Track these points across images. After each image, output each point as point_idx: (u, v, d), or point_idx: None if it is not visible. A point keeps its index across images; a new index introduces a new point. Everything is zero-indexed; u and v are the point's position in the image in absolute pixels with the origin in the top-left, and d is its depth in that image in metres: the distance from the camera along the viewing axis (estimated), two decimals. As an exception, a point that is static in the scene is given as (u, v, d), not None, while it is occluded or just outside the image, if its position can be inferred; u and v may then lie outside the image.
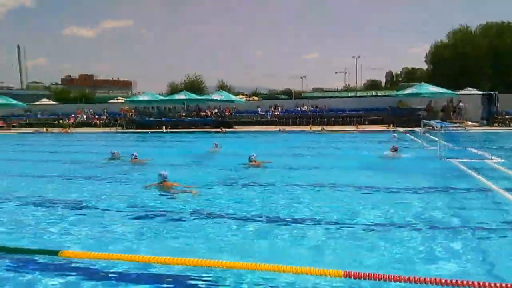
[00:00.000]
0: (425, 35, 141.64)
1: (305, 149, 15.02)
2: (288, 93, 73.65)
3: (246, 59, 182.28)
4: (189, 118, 28.24)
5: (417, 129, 18.80)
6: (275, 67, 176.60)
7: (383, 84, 77.77)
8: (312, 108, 28.83)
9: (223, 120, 27.19)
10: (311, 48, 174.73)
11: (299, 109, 29.15)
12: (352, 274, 3.15)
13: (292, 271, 3.33)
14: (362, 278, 3.15)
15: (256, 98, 51.45)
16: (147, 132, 24.54)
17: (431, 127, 14.46)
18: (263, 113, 28.91)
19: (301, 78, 77.00)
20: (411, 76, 63.41)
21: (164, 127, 25.71)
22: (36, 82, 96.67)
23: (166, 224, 5.82)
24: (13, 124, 30.82)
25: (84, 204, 7.03)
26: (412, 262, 4.19)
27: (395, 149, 11.91)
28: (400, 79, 70.85)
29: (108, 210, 6.59)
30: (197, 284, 3.76)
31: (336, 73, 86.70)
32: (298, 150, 14.61)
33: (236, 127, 26.22)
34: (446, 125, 13.01)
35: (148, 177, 8.81)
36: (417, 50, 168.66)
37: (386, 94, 41.41)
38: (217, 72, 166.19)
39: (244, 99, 37.11)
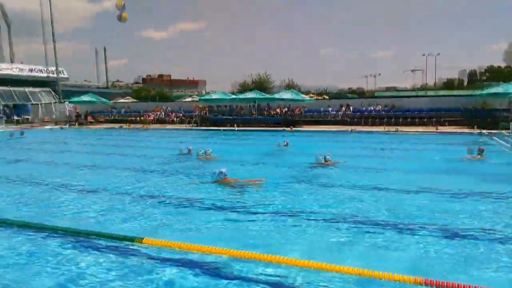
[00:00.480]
0: (503, 31, 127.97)
1: (379, 150, 14.48)
2: (359, 92, 71.47)
3: (315, 57, 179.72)
4: (259, 117, 28.64)
5: (505, 131, 17.23)
6: (344, 66, 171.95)
7: (460, 83, 72.01)
8: (386, 108, 27.65)
9: (293, 119, 27.19)
10: (383, 46, 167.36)
11: (372, 108, 28.12)
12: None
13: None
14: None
15: (326, 97, 50.66)
16: (219, 130, 25.36)
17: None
18: (334, 112, 28.37)
19: (374, 76, 74.26)
20: (495, 74, 58.13)
21: (235, 125, 26.37)
22: (119, 81, 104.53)
23: (238, 218, 5.98)
24: (100, 120, 33.59)
25: (162, 195, 7.47)
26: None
27: (481, 151, 11.06)
28: (483, 78, 65.28)
29: (182, 202, 6.92)
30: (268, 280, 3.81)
31: (412, 71, 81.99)
32: (372, 151, 14.13)
33: (305, 126, 26.04)
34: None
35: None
36: (495, 47, 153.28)
37: (468, 93, 38.39)
38: (285, 72, 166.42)
39: (313, 98, 36.72)
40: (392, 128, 22.43)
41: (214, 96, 31.26)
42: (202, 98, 35.55)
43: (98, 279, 3.88)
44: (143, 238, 4.27)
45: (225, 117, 29.13)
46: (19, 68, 47.87)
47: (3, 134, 23.48)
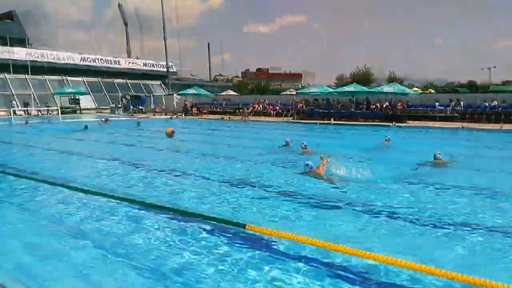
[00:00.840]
0: None
1: (496, 150, 13.07)
2: (471, 86, 64.71)
3: (419, 49, 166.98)
4: (357, 111, 27.78)
5: None
6: (454, 57, 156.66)
7: None
8: (504, 104, 24.65)
9: (395, 113, 25.79)
10: (504, 34, 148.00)
11: (487, 104, 25.31)
12: None
13: None
14: None
15: (432, 91, 47.02)
16: (315, 123, 25.23)
17: None
18: (442, 108, 26.19)
19: (488, 69, 66.33)
20: None
21: (332, 119, 25.97)
22: (221, 75, 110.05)
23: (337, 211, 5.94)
24: (204, 112, 35.83)
25: (265, 184, 7.74)
26: None
27: None
28: None
29: (280, 192, 7.09)
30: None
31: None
32: (488, 152, 12.81)
33: (409, 121, 24.51)
34: None
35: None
36: None
37: None
38: (387, 64, 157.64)
39: (418, 91, 34.33)
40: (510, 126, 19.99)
41: (311, 90, 31.11)
42: (299, 91, 35.66)
43: (202, 257, 4.22)
44: (245, 224, 4.51)
45: (321, 110, 28.84)
46: (134, 63, 53.27)
47: (128, 122, 26.60)
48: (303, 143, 12.23)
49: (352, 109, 28.16)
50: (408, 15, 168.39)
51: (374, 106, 27.99)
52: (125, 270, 3.99)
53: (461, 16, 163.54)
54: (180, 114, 34.64)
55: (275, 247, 4.48)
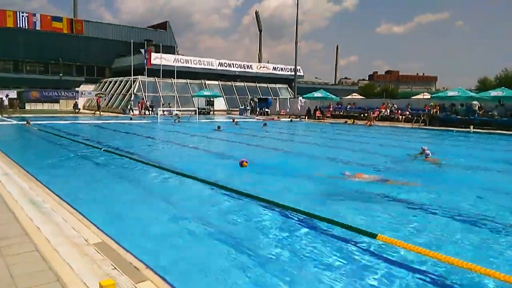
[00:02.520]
0: None
1: None
2: None
3: None
4: (504, 118, 24.45)
5: None
6: None
7: None
8: None
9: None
10: None
11: None
12: None
13: None
14: None
15: None
16: (452, 130, 23.08)
17: None
18: None
19: None
20: None
21: (471, 126, 23.43)
22: (347, 78, 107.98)
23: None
24: (327, 115, 35.73)
25: (397, 196, 7.49)
26: None
27: None
28: None
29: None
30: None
31: None
32: None
33: None
34: None
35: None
36: None
37: None
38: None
39: None
40: None
41: (449, 94, 28.49)
42: (435, 95, 32.94)
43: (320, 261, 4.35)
44: (377, 235, 4.50)
45: (459, 116, 26.18)
46: (265, 67, 55.88)
47: (256, 123, 28.42)
48: (426, 151, 11.40)
49: (497, 116, 24.90)
50: None
51: (526, 114, 24.31)
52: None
53: None
54: (304, 117, 35.18)
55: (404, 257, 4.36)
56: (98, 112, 38.08)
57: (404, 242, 4.36)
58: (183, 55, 50.87)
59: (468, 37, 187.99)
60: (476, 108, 26.07)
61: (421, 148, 12.09)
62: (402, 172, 10.00)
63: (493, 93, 25.71)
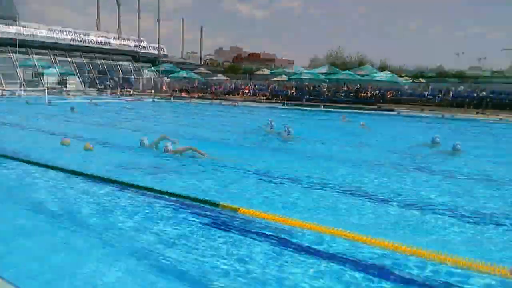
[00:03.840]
0: None
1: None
2: (461, 76, 65.26)
3: (412, 37, 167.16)
4: (347, 98, 27.86)
5: None
6: (447, 47, 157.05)
7: None
8: (493, 95, 24.96)
9: (384, 101, 25.96)
10: (497, 26, 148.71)
11: (476, 93, 25.61)
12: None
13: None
14: None
15: (422, 80, 47.28)
16: (305, 109, 25.24)
17: None
18: (431, 97, 26.45)
19: (479, 59, 67.03)
20: None
21: (322, 106, 25.99)
22: (212, 59, 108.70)
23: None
24: (193, 96, 35.50)
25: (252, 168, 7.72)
26: None
27: None
28: None
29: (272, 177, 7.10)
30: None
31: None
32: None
33: (397, 108, 24.67)
34: None
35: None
36: None
37: None
38: (381, 50, 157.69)
39: (409, 80, 34.53)
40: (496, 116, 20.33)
41: (303, 76, 31.03)
42: (290, 77, 35.54)
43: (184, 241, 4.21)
44: (240, 208, 4.51)
45: (311, 97, 28.83)
46: (126, 44, 52.10)
47: (117, 103, 26.29)
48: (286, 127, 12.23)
49: (342, 96, 28.22)
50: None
51: (364, 94, 28.08)
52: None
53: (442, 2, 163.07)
54: (169, 97, 34.27)
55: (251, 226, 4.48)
56: None
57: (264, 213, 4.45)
58: (24, 27, 43.65)
59: (319, 25, 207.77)
60: (325, 89, 29.13)
61: (269, 120, 12.68)
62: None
63: (340, 76, 28.91)
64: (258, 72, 46.39)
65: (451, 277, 3.49)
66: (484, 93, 25.34)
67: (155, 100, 32.55)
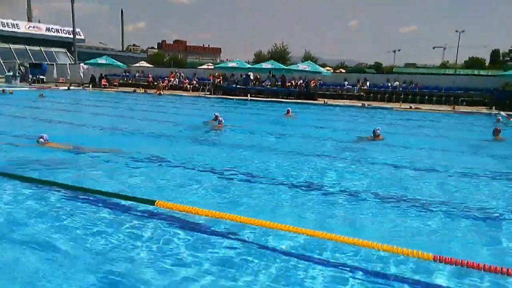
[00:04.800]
0: None
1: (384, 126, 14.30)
2: (377, 67, 70.01)
3: (335, 30, 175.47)
4: (273, 88, 28.33)
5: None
6: (364, 40, 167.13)
7: (482, 62, 69.51)
8: (404, 85, 27.04)
9: (308, 91, 26.84)
10: (409, 20, 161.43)
11: (390, 84, 27.56)
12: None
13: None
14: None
15: (342, 70, 49.78)
16: (232, 99, 25.24)
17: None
18: (350, 87, 27.92)
19: (394, 52, 72.44)
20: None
21: (248, 95, 26.17)
22: (135, 45, 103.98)
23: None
24: (114, 84, 33.63)
25: (175, 160, 7.51)
26: None
27: (497, 132, 10.87)
28: (507, 59, 63.08)
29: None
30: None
31: (434, 48, 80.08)
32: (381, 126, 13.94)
33: (320, 99, 25.71)
34: None
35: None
36: None
37: (490, 73, 37.25)
38: (303, 42, 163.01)
39: (330, 71, 36.10)
40: (407, 105, 22.09)
41: (229, 65, 30.89)
42: (217, 66, 35.21)
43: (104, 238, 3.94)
44: (155, 201, 4.30)
45: (239, 86, 28.87)
46: (36, 27, 47.56)
47: (28, 93, 23.92)
48: (219, 118, 12.07)
49: (269, 86, 28.63)
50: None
51: (289, 83, 28.74)
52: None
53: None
54: (87, 85, 32.09)
55: (187, 223, 4.35)
56: None
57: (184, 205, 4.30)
58: None
59: (248, 16, 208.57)
60: (252, 78, 29.29)
61: (214, 114, 12.50)
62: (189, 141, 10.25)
63: (265, 65, 29.24)
64: (202, 67, 45.14)
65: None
66: (397, 83, 27.32)
67: (71, 88, 30.31)
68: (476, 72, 46.57)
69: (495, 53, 70.37)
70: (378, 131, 10.24)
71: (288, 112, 15.64)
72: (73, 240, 3.86)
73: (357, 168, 7.46)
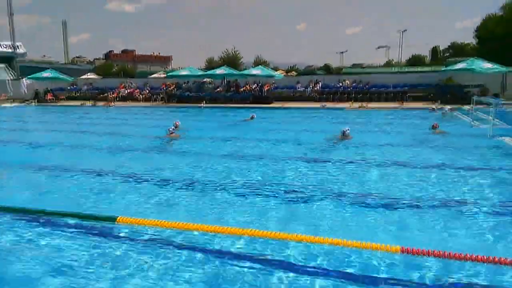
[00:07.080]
0: (475, 8, 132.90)
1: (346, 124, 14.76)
2: (326, 69, 72.04)
3: (283, 33, 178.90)
4: (227, 94, 28.27)
5: (466, 106, 17.88)
6: (312, 42, 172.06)
7: (428, 60, 73.77)
8: (354, 84, 27.99)
9: (262, 95, 27.02)
10: (353, 22, 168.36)
11: (340, 84, 28.41)
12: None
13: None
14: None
15: (294, 73, 50.68)
16: (186, 107, 24.88)
17: (483, 105, 13.70)
18: (302, 89, 28.47)
19: (341, 53, 74.98)
20: (458, 51, 59.77)
21: (203, 102, 25.92)
22: (80, 57, 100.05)
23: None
24: (61, 98, 32.10)
25: (134, 174, 7.30)
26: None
27: (435, 127, 11.59)
28: (446, 55, 67.20)
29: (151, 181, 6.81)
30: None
31: (378, 48, 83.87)
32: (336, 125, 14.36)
33: (276, 103, 26.00)
34: (502, 102, 12.32)
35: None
36: (466, 24, 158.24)
37: (433, 69, 39.37)
38: (253, 47, 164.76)
39: (283, 74, 36.62)
40: (357, 104, 22.87)
41: (182, 72, 30.47)
42: (169, 74, 34.62)
43: (70, 260, 3.75)
44: (117, 217, 4.14)
45: (192, 94, 28.53)
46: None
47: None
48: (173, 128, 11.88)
49: (222, 92, 28.53)
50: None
51: (243, 88, 28.80)
52: None
53: (319, 2, 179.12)
54: (31, 101, 30.38)
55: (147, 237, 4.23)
56: None
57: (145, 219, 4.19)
58: None
59: (197, 22, 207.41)
60: (207, 85, 29.06)
61: (175, 123, 12.29)
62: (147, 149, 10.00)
63: (218, 71, 29.13)
64: (154, 76, 43.90)
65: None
66: (347, 82, 28.21)
67: (14, 105, 28.61)
68: (419, 68, 49.06)
69: (435, 50, 74.67)
70: (348, 131, 10.60)
71: (252, 117, 15.88)
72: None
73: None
